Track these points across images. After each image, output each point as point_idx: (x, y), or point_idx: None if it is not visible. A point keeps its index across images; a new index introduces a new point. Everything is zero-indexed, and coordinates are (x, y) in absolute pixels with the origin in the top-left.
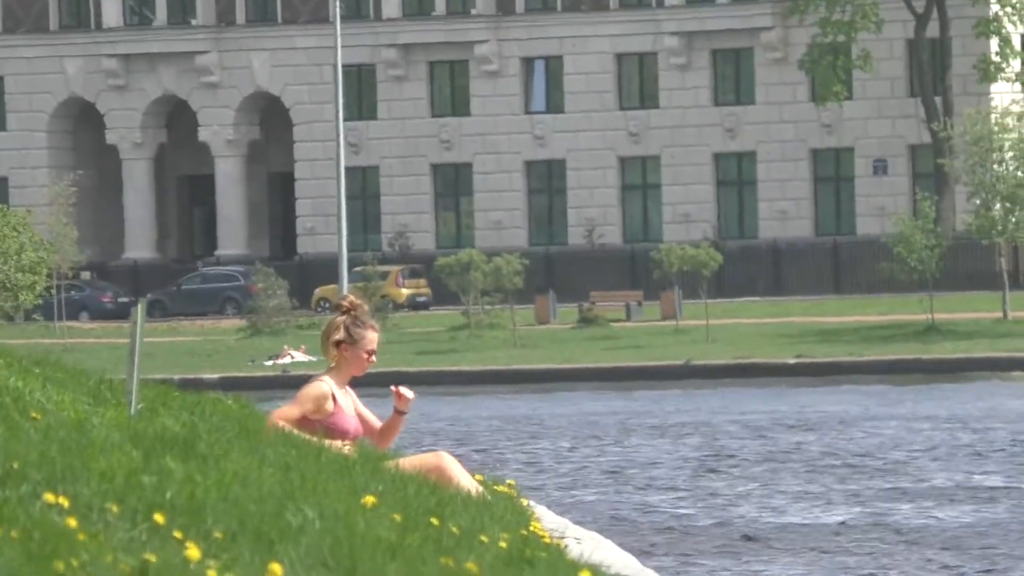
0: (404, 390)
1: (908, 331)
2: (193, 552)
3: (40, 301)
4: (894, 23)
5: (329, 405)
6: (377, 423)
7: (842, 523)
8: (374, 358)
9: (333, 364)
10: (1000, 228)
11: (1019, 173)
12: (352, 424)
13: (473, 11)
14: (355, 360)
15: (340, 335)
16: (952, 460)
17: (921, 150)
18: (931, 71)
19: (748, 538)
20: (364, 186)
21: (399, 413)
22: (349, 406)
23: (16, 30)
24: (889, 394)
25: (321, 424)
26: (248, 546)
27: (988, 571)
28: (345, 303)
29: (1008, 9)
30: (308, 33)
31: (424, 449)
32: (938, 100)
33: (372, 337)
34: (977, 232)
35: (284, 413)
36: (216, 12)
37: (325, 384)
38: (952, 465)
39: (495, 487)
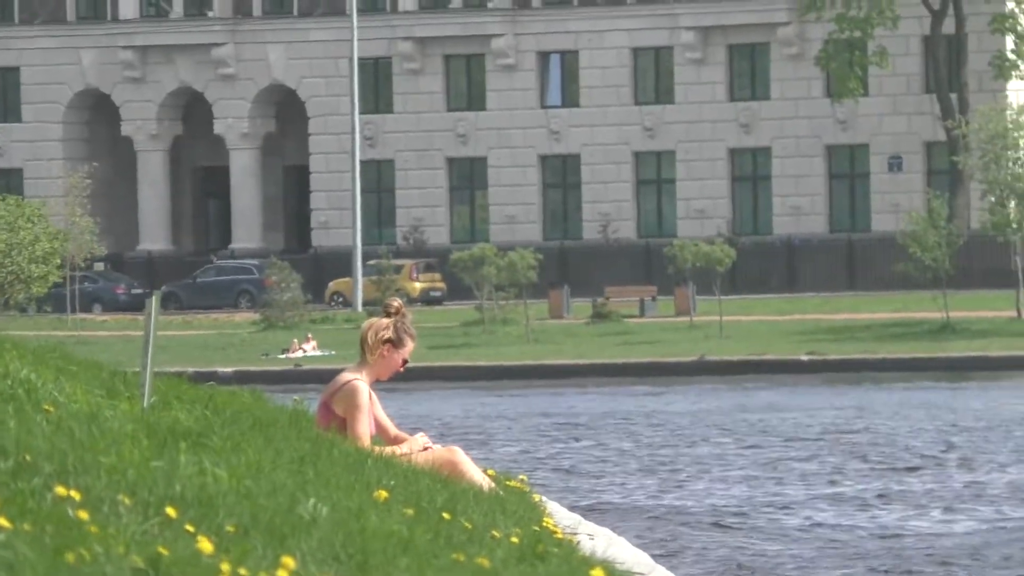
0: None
1: (922, 329)
2: (205, 545)
3: (51, 289)
4: (910, 19)
5: None
6: (392, 428)
7: None
8: (403, 368)
9: (371, 362)
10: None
11: None
12: (370, 427)
13: (489, 5)
14: (391, 363)
15: (390, 334)
16: None
17: (937, 147)
18: (947, 68)
19: None
20: (379, 179)
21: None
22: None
23: (32, 21)
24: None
25: (343, 422)
26: (260, 540)
27: None
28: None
29: None
30: (324, 26)
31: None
32: (954, 97)
33: (411, 346)
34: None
35: (364, 436)
36: (232, 4)
37: (364, 384)
38: None
39: (507, 482)
